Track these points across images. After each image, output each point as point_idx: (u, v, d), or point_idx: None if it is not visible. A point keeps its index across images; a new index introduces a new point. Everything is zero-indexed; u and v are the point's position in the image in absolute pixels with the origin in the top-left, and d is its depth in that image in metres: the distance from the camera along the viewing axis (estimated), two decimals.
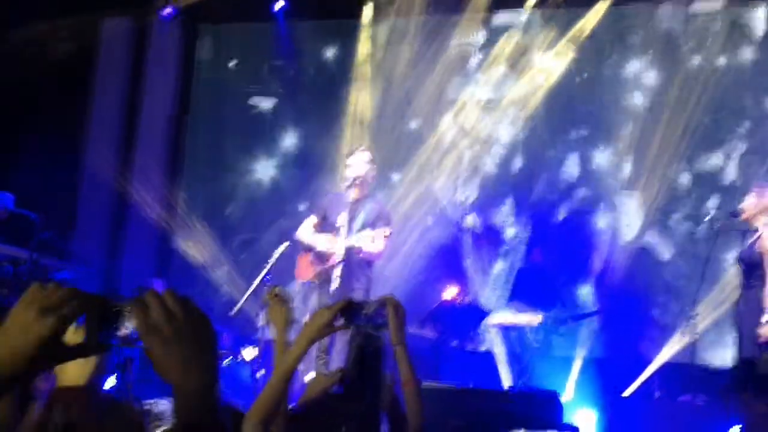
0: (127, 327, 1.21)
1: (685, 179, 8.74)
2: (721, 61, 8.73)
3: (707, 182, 8.66)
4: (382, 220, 6.46)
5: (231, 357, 7.31)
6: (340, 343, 6.52)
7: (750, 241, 6.25)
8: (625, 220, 8.78)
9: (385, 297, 2.32)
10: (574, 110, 9.24)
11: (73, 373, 2.28)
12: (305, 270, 6.56)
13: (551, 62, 9.10)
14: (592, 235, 8.88)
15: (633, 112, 8.96)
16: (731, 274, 6.99)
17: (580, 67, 9.15)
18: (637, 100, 8.99)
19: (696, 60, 8.80)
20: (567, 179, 9.10)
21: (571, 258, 8.24)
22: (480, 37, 9.42)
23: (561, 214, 9.06)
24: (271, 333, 2.74)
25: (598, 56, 9.21)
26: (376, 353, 2.39)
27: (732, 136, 8.61)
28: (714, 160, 8.64)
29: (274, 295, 2.74)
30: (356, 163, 6.53)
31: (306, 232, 6.63)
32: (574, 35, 9.04)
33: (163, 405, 6.31)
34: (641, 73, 9.01)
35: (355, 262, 6.36)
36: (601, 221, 8.91)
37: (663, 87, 8.86)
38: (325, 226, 6.61)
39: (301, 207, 9.43)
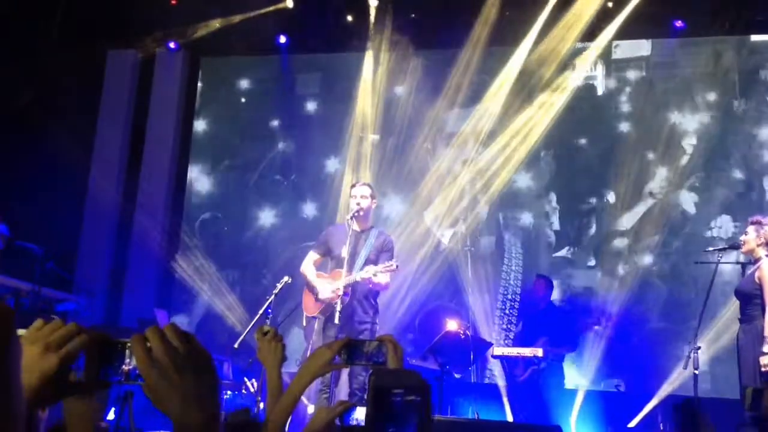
0: (129, 363, 1.21)
1: (685, 208, 8.78)
2: None
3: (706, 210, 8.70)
4: (386, 251, 6.48)
5: (233, 389, 7.28)
6: (343, 377, 6.51)
7: (749, 272, 6.27)
8: (625, 252, 8.79)
9: (383, 336, 2.33)
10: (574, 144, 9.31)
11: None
12: (311, 306, 6.56)
13: (552, 95, 9.18)
14: (594, 267, 8.88)
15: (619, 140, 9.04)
16: (732, 306, 6.98)
17: (578, 98, 9.23)
18: (623, 128, 9.07)
19: None
20: (568, 209, 9.13)
21: (572, 290, 8.23)
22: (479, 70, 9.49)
23: (563, 244, 9.08)
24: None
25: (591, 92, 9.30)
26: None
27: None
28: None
29: (263, 333, 2.73)
30: (359, 195, 6.55)
31: (309, 269, 6.62)
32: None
33: None
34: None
35: (361, 294, 6.36)
36: (603, 252, 8.92)
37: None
38: (330, 259, 6.60)
39: (303, 241, 9.47)
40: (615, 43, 9.25)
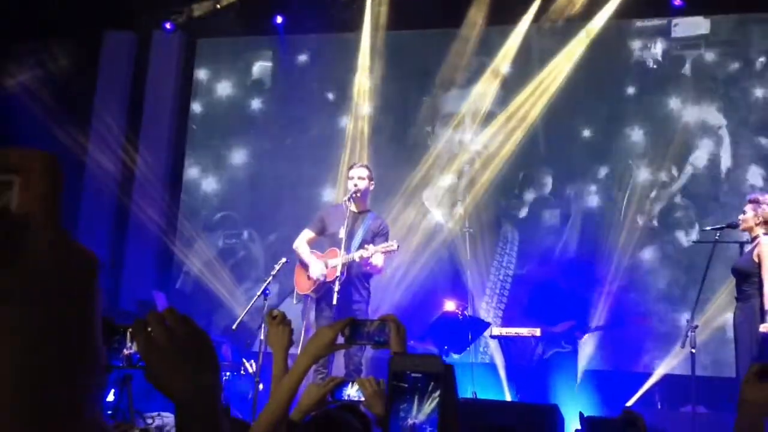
0: (130, 348, 1.22)
1: (681, 189, 8.78)
2: None
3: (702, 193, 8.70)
4: (381, 236, 6.52)
5: (231, 371, 7.32)
6: (339, 359, 6.56)
7: (747, 249, 6.29)
8: (624, 232, 8.80)
9: (386, 315, 2.34)
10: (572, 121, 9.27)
11: None
12: (304, 283, 6.60)
13: (550, 72, 9.14)
14: (592, 248, 8.89)
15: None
16: (729, 284, 7.00)
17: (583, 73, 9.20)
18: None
19: None
20: (564, 191, 9.12)
21: (572, 271, 8.25)
22: (478, 50, 9.45)
23: (559, 226, 9.08)
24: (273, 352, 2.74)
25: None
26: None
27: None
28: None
29: (272, 317, 2.74)
30: (356, 176, 6.58)
31: (303, 246, 6.66)
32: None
33: (166, 418, 6.30)
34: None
35: (355, 276, 6.40)
36: (600, 234, 8.92)
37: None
38: (325, 237, 6.65)
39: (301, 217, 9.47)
40: (674, 21, 9.06)
